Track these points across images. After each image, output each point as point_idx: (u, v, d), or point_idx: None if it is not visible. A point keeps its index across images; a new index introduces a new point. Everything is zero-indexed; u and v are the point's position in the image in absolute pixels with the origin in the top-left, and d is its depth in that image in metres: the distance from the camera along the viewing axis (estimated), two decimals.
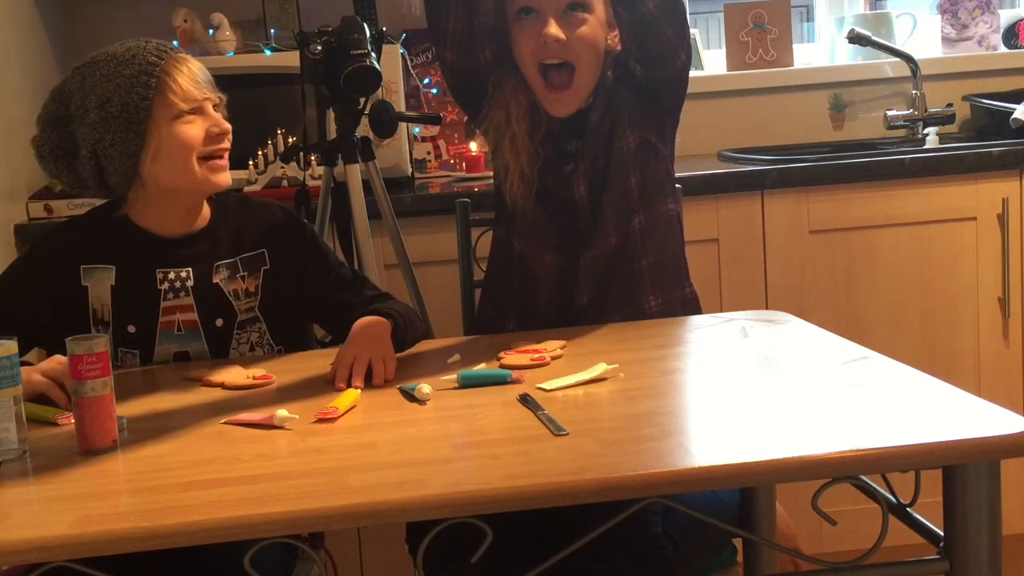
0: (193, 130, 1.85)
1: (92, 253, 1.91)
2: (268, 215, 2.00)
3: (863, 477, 1.36)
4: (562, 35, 1.95)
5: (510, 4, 2.01)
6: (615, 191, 2.00)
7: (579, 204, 2.02)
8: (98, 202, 2.02)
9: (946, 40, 3.36)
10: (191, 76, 1.86)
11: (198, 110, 1.87)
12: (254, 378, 1.72)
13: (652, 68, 2.00)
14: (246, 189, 2.68)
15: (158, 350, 1.90)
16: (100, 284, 1.89)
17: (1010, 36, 3.34)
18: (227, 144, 1.90)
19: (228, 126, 1.90)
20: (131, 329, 1.89)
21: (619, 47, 2.02)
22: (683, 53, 1.99)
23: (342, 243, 2.38)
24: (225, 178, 1.91)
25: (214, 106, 1.90)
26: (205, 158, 1.87)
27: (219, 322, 1.92)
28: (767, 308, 2.57)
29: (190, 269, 1.92)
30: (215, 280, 1.93)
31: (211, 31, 2.98)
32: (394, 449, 1.39)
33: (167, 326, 1.90)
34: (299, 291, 1.97)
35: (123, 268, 1.90)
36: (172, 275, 1.91)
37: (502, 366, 1.71)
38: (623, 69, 2.03)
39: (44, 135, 1.90)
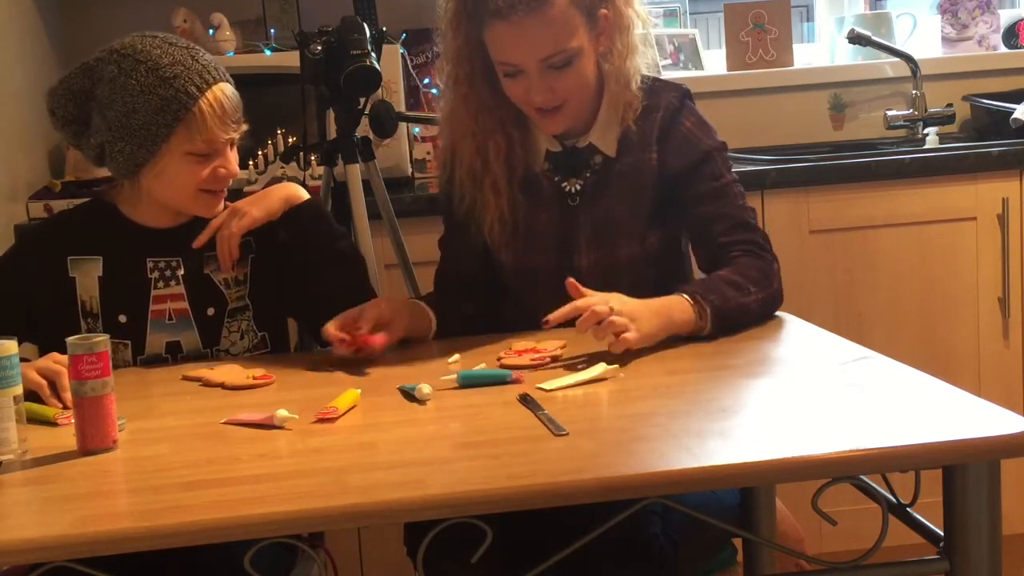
0: (202, 168, 1.85)
1: (79, 244, 1.91)
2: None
3: (863, 477, 1.36)
4: (548, 99, 1.91)
5: (494, 60, 1.93)
6: (616, 216, 1.98)
7: (581, 231, 2.00)
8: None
9: (946, 40, 3.36)
10: (222, 115, 1.83)
11: (215, 152, 1.86)
12: (254, 378, 1.72)
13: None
14: (246, 189, 2.68)
15: (150, 340, 1.90)
16: (87, 275, 1.90)
17: (1010, 36, 3.33)
18: (229, 183, 1.91)
19: (236, 170, 1.89)
20: (122, 319, 1.89)
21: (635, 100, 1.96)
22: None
23: None
24: (217, 211, 1.92)
25: (232, 142, 1.88)
26: (204, 191, 1.88)
27: (210, 311, 1.93)
28: None
29: (180, 259, 1.92)
30: (206, 270, 1.93)
31: (211, 31, 2.98)
32: (394, 449, 1.39)
33: (158, 315, 1.91)
34: (281, 279, 1.96)
35: (111, 258, 1.91)
36: (163, 264, 1.92)
37: (502, 366, 1.71)
38: (666, 183, 1.99)
39: (62, 101, 1.88)
